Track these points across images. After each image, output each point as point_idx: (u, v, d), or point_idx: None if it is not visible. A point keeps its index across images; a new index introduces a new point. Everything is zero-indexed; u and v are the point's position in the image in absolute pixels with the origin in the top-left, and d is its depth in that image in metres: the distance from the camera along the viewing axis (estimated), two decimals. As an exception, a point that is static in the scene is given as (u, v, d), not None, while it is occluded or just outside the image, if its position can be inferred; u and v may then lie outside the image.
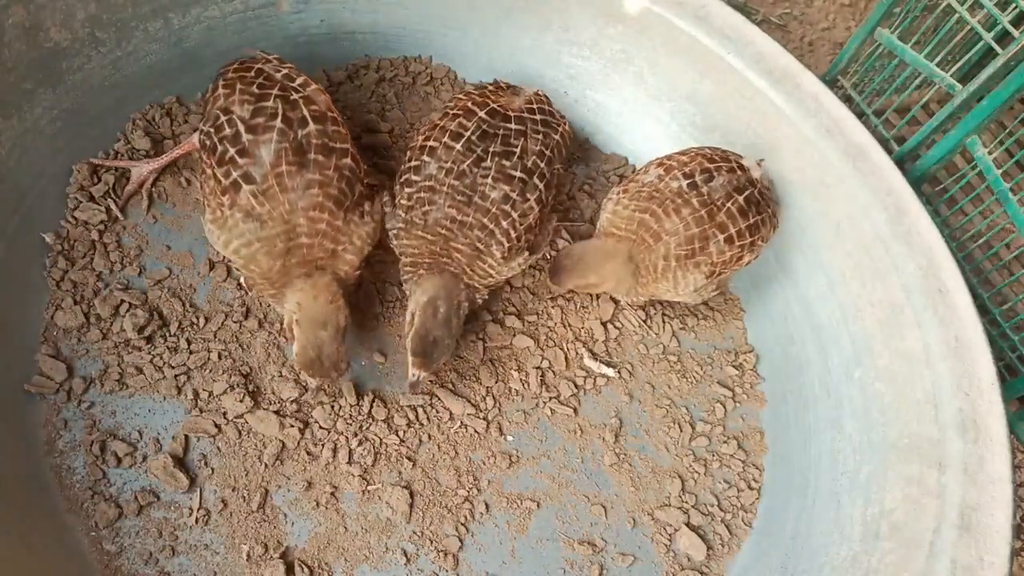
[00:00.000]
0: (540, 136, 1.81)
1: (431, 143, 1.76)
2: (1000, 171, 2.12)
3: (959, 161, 2.50)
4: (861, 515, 1.68)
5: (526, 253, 1.81)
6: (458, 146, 1.74)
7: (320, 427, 1.78)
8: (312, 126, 1.65)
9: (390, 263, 2.01)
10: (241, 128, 1.62)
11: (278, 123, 1.62)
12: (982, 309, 2.03)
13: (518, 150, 1.76)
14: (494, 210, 1.72)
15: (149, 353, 1.79)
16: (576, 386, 1.96)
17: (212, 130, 1.66)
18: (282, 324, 1.79)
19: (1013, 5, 2.13)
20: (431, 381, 1.87)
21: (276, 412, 1.78)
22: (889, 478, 1.66)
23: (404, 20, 2.26)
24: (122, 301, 1.83)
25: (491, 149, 1.74)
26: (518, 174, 1.74)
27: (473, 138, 1.75)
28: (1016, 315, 2.27)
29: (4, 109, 1.78)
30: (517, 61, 2.31)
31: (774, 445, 1.96)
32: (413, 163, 1.77)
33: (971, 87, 2.16)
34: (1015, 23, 2.13)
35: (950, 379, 1.64)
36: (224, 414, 1.76)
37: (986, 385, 1.61)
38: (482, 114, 1.79)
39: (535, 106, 1.87)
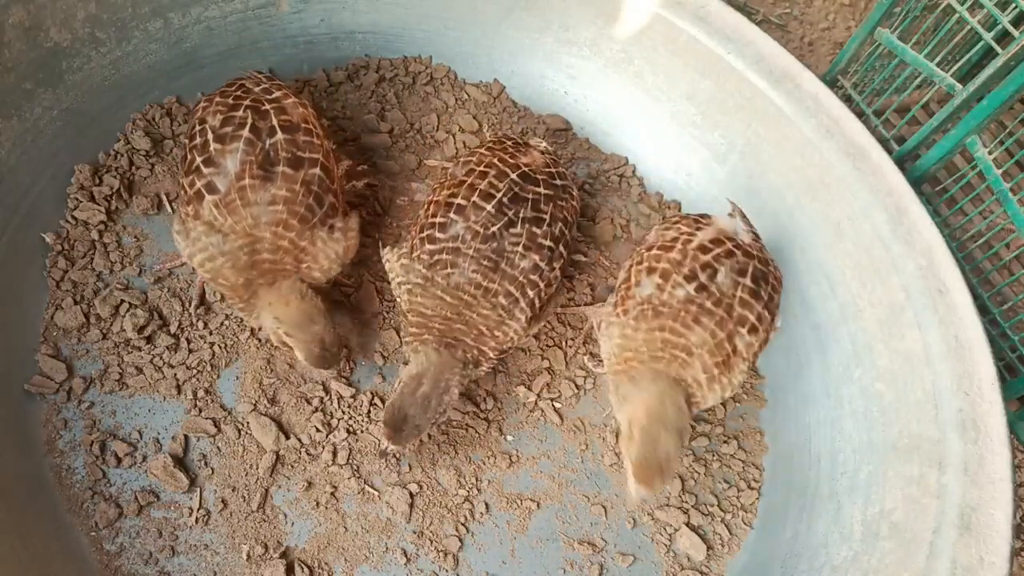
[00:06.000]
0: (563, 203, 1.77)
1: (459, 200, 1.68)
2: (1000, 171, 2.12)
3: (959, 161, 2.50)
4: (861, 515, 1.68)
5: (542, 323, 1.76)
6: (489, 207, 1.66)
7: (319, 429, 1.78)
8: (280, 135, 1.63)
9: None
10: (210, 137, 1.62)
11: (246, 132, 1.61)
12: (982, 309, 2.03)
13: (548, 217, 1.71)
14: (521, 279, 1.66)
15: (149, 353, 1.79)
16: (576, 386, 1.95)
17: (186, 140, 1.68)
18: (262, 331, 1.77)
19: (1013, 5, 2.13)
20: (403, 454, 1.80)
21: (275, 420, 1.78)
22: (889, 478, 1.66)
23: (404, 20, 2.26)
24: (122, 301, 1.83)
25: (522, 214, 1.68)
26: (547, 243, 1.69)
27: (505, 200, 1.68)
28: (1016, 315, 2.26)
29: (4, 109, 1.78)
30: (517, 61, 2.31)
31: (774, 445, 1.96)
32: (439, 219, 1.68)
33: (971, 87, 2.16)
34: (1015, 23, 2.12)
35: (950, 379, 1.64)
36: (224, 414, 1.76)
37: (986, 385, 1.61)
38: (514, 176, 1.72)
39: (553, 170, 1.81)
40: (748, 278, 1.62)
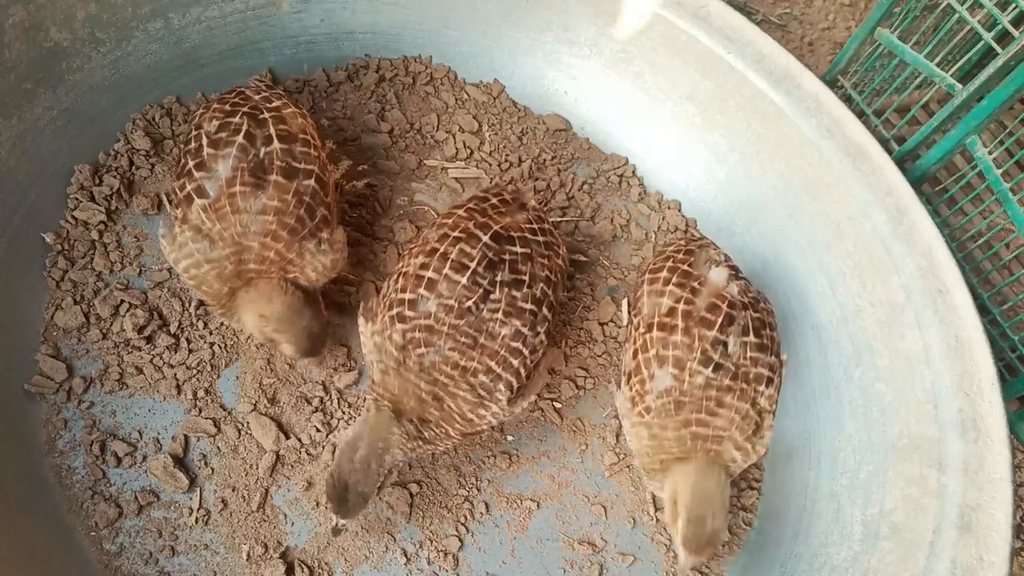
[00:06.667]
0: (545, 260, 1.63)
1: (430, 274, 1.52)
2: (1000, 171, 2.12)
3: (959, 161, 2.50)
4: (861, 515, 1.68)
5: (532, 397, 1.62)
6: (463, 280, 1.50)
7: (319, 428, 1.78)
8: (276, 144, 1.61)
9: (388, 254, 2.02)
10: (204, 142, 1.61)
11: (239, 139, 1.59)
12: (982, 309, 2.02)
13: (527, 277, 1.56)
14: (502, 352, 1.51)
15: (149, 353, 1.79)
16: (576, 386, 1.95)
17: (182, 145, 1.68)
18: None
19: (1013, 5, 2.13)
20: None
21: (275, 420, 1.78)
22: (889, 478, 1.66)
23: (404, 20, 2.26)
24: (122, 301, 1.83)
25: (500, 278, 1.53)
26: (529, 306, 1.54)
27: (479, 269, 1.52)
28: (1016, 315, 2.26)
29: (4, 109, 1.78)
30: (517, 61, 2.31)
31: (774, 445, 1.95)
32: (408, 295, 1.52)
33: (971, 87, 2.16)
34: (1015, 23, 2.13)
35: (950, 379, 1.64)
36: (224, 414, 1.76)
37: (986, 385, 1.61)
38: (486, 239, 1.55)
39: (536, 226, 1.67)
40: (752, 335, 1.59)
